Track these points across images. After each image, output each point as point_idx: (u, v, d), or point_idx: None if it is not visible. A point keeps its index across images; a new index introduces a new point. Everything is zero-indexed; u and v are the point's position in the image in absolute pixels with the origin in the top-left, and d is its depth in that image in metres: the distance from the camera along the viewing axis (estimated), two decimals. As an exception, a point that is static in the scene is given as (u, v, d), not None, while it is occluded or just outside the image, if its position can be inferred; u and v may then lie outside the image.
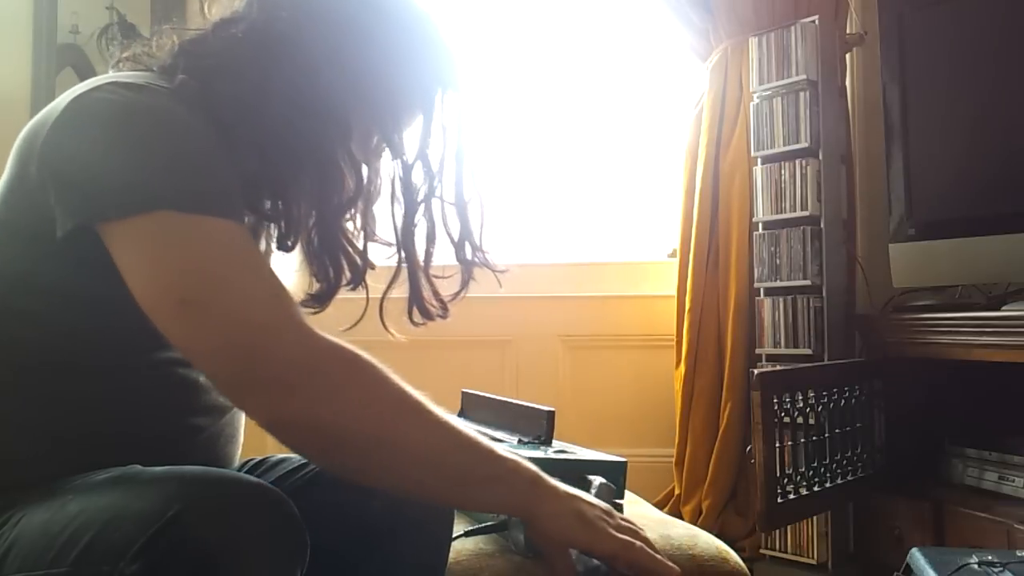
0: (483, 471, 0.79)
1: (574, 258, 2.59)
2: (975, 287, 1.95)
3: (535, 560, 1.11)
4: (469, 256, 0.93)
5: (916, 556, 1.20)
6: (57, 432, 0.80)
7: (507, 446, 1.16)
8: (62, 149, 0.76)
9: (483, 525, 1.16)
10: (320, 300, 0.94)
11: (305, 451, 0.78)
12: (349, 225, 0.95)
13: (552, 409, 1.26)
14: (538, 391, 2.21)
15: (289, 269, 0.97)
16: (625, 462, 1.13)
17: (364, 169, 0.91)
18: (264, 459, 1.05)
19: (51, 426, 0.80)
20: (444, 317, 0.96)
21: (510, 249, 2.58)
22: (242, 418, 0.98)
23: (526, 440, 1.23)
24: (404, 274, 0.93)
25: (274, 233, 0.92)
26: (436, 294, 0.95)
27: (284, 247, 0.89)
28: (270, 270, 0.77)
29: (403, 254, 0.92)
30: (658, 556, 0.82)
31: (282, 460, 1.03)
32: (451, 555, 1.06)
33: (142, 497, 0.66)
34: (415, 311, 0.94)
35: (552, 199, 2.64)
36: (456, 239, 0.92)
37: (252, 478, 0.69)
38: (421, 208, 0.90)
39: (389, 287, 0.94)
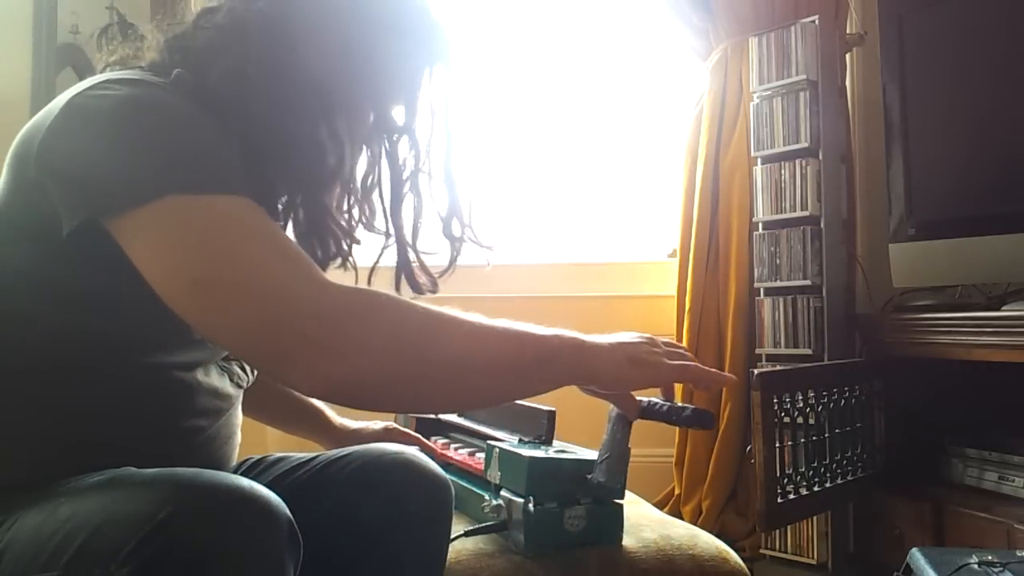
0: (529, 357, 0.81)
1: (574, 258, 2.59)
2: (975, 287, 1.95)
3: (535, 560, 1.11)
4: (456, 233, 0.94)
5: (916, 556, 1.20)
6: (52, 435, 0.80)
7: (507, 445, 1.16)
8: (61, 148, 0.76)
9: (483, 525, 1.16)
10: None
11: (358, 404, 0.79)
12: (344, 205, 0.95)
13: (552, 409, 1.26)
14: (538, 391, 2.20)
15: None
16: (625, 462, 1.14)
17: (350, 147, 0.90)
18: (262, 458, 1.05)
19: (46, 429, 0.80)
20: (434, 291, 0.96)
21: (510, 249, 2.59)
22: (239, 419, 0.98)
23: (527, 440, 1.23)
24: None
25: None
26: (424, 268, 0.95)
27: None
28: (281, 235, 0.77)
29: (391, 227, 0.92)
30: (711, 369, 0.91)
31: (280, 459, 1.03)
32: (451, 555, 1.06)
33: (133, 500, 0.66)
34: (403, 284, 0.95)
35: (552, 199, 2.64)
36: (444, 214, 0.93)
37: (244, 480, 0.68)
38: (408, 183, 0.91)
39: (377, 260, 0.94)
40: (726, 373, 0.92)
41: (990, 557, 1.15)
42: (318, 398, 0.74)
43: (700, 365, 0.90)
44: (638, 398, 1.01)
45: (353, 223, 0.96)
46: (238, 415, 0.98)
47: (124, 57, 0.89)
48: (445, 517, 1.00)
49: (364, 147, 0.93)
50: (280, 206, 0.90)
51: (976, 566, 1.13)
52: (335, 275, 0.94)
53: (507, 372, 0.80)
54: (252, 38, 0.82)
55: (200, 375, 0.89)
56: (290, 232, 0.94)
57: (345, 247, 0.94)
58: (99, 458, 0.76)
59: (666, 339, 0.95)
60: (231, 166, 0.77)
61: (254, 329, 0.71)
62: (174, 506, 0.63)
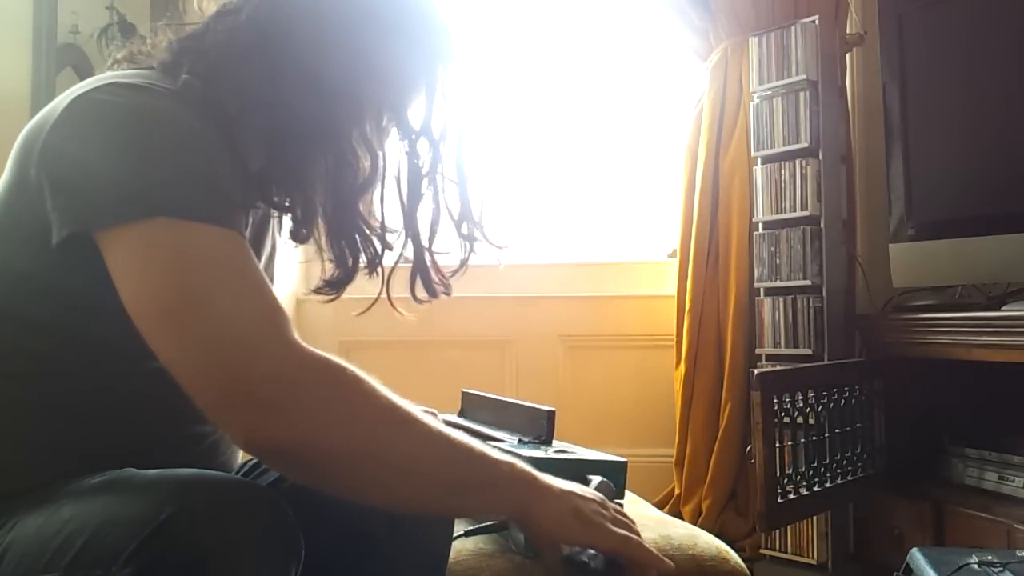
0: (477, 478, 0.78)
1: (574, 258, 2.59)
2: (975, 287, 1.95)
3: (535, 560, 1.11)
4: (468, 232, 0.92)
5: (916, 556, 1.20)
6: (55, 441, 0.79)
7: (507, 446, 1.16)
8: (59, 152, 0.74)
9: (483, 525, 1.16)
10: (336, 286, 0.92)
11: (289, 472, 0.76)
12: (364, 208, 0.93)
13: (552, 409, 1.26)
14: (538, 391, 2.20)
15: (294, 260, 0.96)
16: (625, 462, 1.14)
17: (380, 151, 0.89)
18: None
19: (47, 436, 0.79)
20: (448, 294, 0.95)
21: (510, 249, 2.58)
22: None
23: (526, 440, 1.23)
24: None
25: (284, 225, 0.90)
26: (439, 271, 0.94)
27: (299, 237, 0.87)
28: (261, 281, 0.74)
29: (408, 232, 0.90)
30: (653, 550, 0.84)
31: (281, 461, 1.03)
32: (451, 555, 1.06)
33: (134, 501, 0.66)
34: (419, 288, 0.93)
35: (552, 199, 2.64)
36: (456, 215, 0.91)
37: (245, 481, 0.69)
38: (425, 184, 0.89)
39: (395, 265, 0.92)
40: (667, 561, 0.85)
41: (990, 557, 1.15)
42: (253, 455, 0.72)
43: (644, 545, 0.84)
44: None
45: (383, 227, 0.93)
46: None
47: (133, 53, 0.87)
48: (447, 519, 1.00)
49: (384, 150, 0.91)
50: (298, 214, 0.87)
51: (976, 566, 1.13)
52: (361, 280, 0.93)
53: (448, 488, 0.78)
54: (279, 44, 0.81)
55: None
56: (300, 248, 0.93)
57: (376, 252, 0.92)
58: (101, 465, 0.76)
59: (617, 505, 0.91)
60: (228, 196, 0.75)
61: (207, 373, 0.69)
62: (175, 507, 0.63)
